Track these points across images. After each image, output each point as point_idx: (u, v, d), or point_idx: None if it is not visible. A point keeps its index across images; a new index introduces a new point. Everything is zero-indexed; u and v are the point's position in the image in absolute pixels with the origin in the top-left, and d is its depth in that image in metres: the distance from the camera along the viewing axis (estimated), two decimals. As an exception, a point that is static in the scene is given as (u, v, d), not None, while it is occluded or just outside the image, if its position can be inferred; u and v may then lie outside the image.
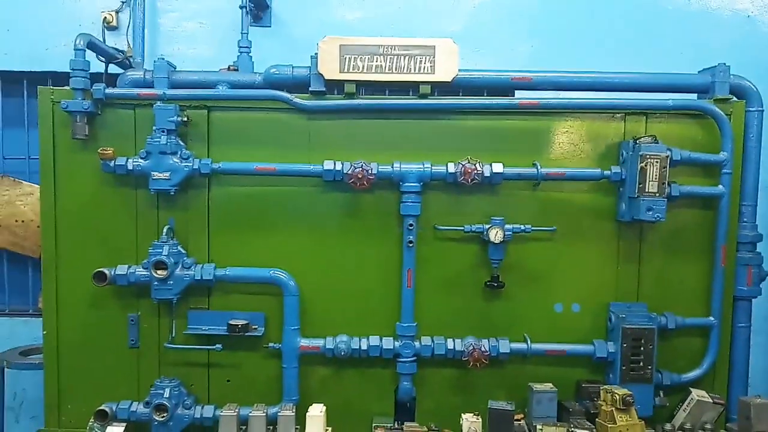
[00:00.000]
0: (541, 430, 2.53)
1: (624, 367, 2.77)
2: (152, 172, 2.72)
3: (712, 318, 2.86)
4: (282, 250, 2.88)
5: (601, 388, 2.67)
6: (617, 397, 2.53)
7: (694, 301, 2.91)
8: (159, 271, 2.72)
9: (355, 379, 2.90)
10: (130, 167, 2.75)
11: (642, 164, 2.63)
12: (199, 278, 2.78)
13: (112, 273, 2.74)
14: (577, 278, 2.91)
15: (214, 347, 2.84)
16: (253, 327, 2.85)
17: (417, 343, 2.83)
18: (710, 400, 2.78)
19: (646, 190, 2.65)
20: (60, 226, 2.87)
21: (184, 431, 2.80)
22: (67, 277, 2.87)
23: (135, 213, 2.85)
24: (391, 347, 2.81)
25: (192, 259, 2.82)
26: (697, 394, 2.80)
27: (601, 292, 2.90)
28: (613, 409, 2.54)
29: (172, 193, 2.76)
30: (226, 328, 2.82)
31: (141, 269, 2.76)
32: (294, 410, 2.64)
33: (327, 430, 2.68)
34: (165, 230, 2.77)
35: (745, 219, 2.89)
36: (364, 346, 2.81)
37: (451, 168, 2.76)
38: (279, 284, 2.81)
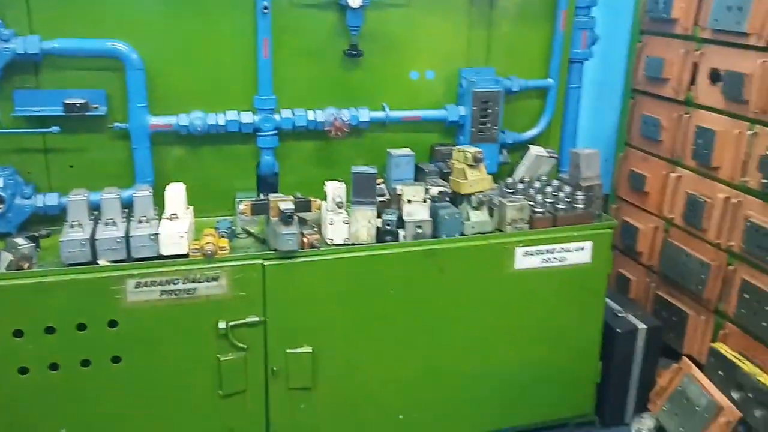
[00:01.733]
0: (401, 189, 2.69)
1: (473, 129, 2.98)
2: None
3: (550, 79, 3.11)
4: (123, 20, 2.58)
5: (454, 148, 2.86)
6: (469, 155, 2.74)
7: (536, 64, 3.12)
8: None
9: (214, 157, 2.84)
10: None
11: None
12: (23, 52, 2.44)
13: None
14: (431, 45, 2.97)
15: (50, 130, 2.58)
16: (94, 106, 2.61)
17: (277, 116, 2.80)
18: (546, 155, 3.11)
19: (502, -49, 2.67)
20: None
21: (26, 223, 2.63)
22: None
23: None
24: (251, 121, 2.75)
25: (10, 31, 2.45)
26: (534, 150, 3.11)
27: (454, 58, 3.00)
28: (465, 166, 2.76)
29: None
30: (62, 108, 2.56)
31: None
32: (150, 191, 2.54)
33: (188, 208, 2.65)
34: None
35: (583, -17, 3.06)
36: (221, 122, 2.72)
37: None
38: (119, 57, 2.56)
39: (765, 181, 2.76)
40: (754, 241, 2.83)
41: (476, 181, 2.76)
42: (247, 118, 2.75)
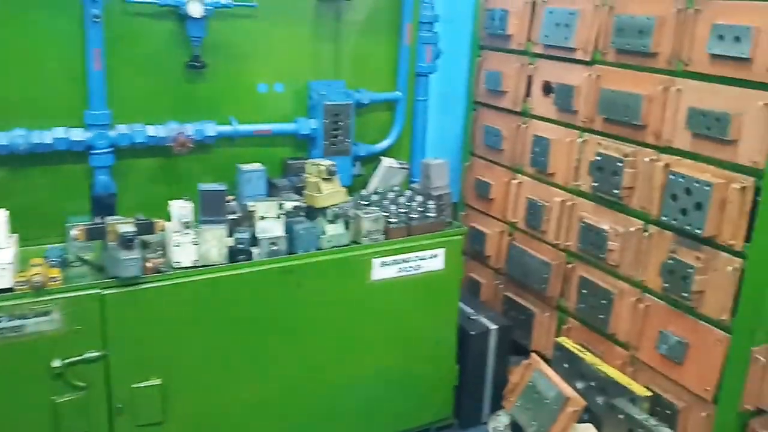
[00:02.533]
0: (253, 206, 2.60)
1: (326, 142, 2.96)
2: None
3: (398, 92, 3.17)
4: None
5: (307, 162, 2.82)
6: (322, 168, 2.71)
7: (385, 78, 3.16)
8: None
9: (41, 178, 2.59)
10: None
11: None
12: None
13: None
14: (279, 57, 2.92)
15: None
16: None
17: (112, 132, 2.60)
18: (398, 166, 3.16)
19: (344, -32, 2.69)
20: None
21: None
22: None
23: None
24: (82, 139, 2.53)
25: None
26: (386, 161, 3.16)
27: (303, 70, 2.97)
28: (319, 179, 2.72)
29: None
30: None
31: None
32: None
33: (11, 236, 2.38)
34: None
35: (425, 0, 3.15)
36: (48, 140, 2.47)
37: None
38: None
39: (595, 184, 3.00)
40: (587, 239, 3.06)
41: (331, 194, 2.74)
42: (77, 135, 2.53)
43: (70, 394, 2.28)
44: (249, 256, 2.56)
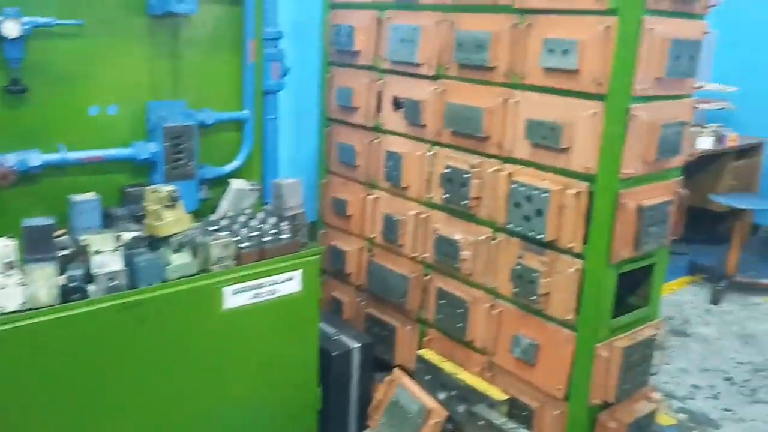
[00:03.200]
0: (86, 240, 2.46)
1: (167, 166, 2.85)
2: None
3: (245, 111, 3.12)
4: None
5: (146, 189, 2.71)
6: (163, 194, 2.61)
7: (230, 97, 3.10)
8: None
9: None
10: None
11: (169, -49, 2.56)
12: None
13: None
14: (111, 78, 2.75)
15: None
16: None
17: None
18: (248, 187, 3.11)
19: (175, -20, 2.61)
20: None
21: None
22: None
23: None
24: None
25: None
26: (236, 183, 3.09)
27: (139, 91, 2.83)
28: (160, 207, 2.62)
29: None
30: None
31: None
32: None
33: None
34: None
35: (268, 16, 3.12)
36: None
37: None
38: None
39: (446, 196, 3.11)
40: (442, 250, 3.16)
41: (174, 221, 2.64)
42: None
43: None
44: (84, 294, 2.41)
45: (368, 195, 3.55)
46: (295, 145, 3.95)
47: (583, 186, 2.62)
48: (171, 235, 2.63)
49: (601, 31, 2.48)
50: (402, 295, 3.40)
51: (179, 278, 2.62)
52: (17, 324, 2.25)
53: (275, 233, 2.90)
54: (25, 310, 2.28)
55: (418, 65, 3.16)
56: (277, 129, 3.35)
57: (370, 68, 3.43)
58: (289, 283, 2.89)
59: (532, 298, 2.81)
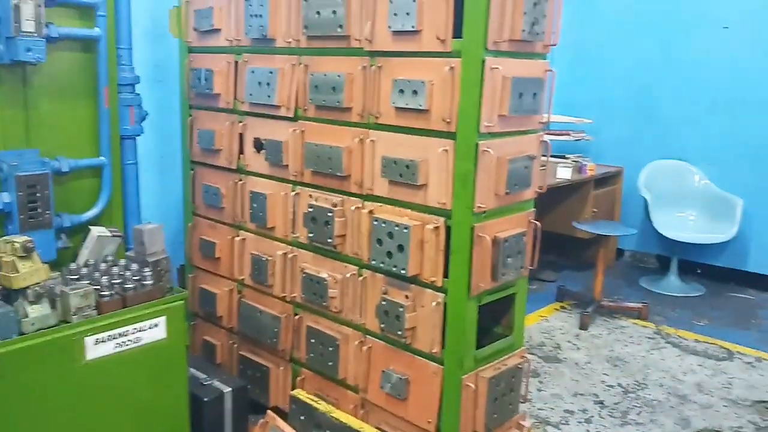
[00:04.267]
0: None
1: (22, 216, 2.92)
2: None
3: (102, 158, 3.25)
4: None
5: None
6: (17, 245, 2.68)
7: (87, 143, 3.22)
8: None
9: None
10: None
11: (15, 2, 2.69)
12: None
13: None
14: (-45, 128, 2.85)
15: None
16: None
17: None
18: (109, 234, 3.22)
19: (23, 30, 2.74)
20: None
21: None
22: None
23: None
24: None
25: None
26: (95, 230, 3.19)
27: (-14, 140, 2.93)
28: (14, 257, 2.70)
29: None
30: None
31: None
32: None
33: None
34: None
35: (123, 62, 3.30)
36: None
37: None
38: None
39: (310, 235, 3.34)
40: (310, 289, 3.38)
41: (30, 272, 2.71)
42: None
43: None
44: (-69, 353, 2.44)
45: (235, 236, 3.73)
46: (161, 189, 4.08)
47: (440, 221, 2.88)
48: (27, 287, 2.70)
49: (446, 72, 2.76)
50: (273, 335, 3.58)
51: (37, 330, 2.69)
52: None
53: (137, 280, 3.02)
54: None
55: (276, 107, 3.40)
56: (138, 174, 3.49)
57: (230, 111, 3.65)
58: (154, 330, 3.01)
59: (398, 332, 3.03)
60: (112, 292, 2.92)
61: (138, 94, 3.39)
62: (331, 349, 3.36)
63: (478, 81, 2.73)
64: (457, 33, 2.75)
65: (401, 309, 3.03)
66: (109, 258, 3.18)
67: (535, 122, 3.07)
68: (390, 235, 3.01)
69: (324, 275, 3.33)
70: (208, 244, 3.87)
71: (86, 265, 3.09)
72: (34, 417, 2.68)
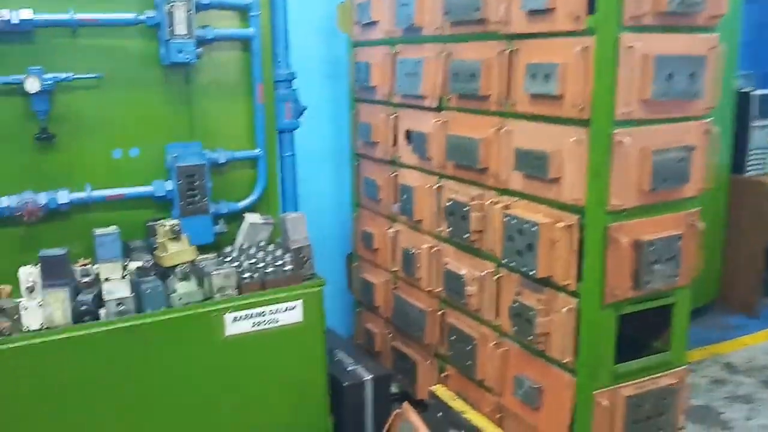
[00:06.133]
0: (98, 268, 2.99)
1: (182, 202, 3.36)
2: None
3: (258, 150, 3.59)
4: None
5: (157, 223, 3.22)
6: (167, 228, 3.11)
7: (244, 137, 3.59)
8: None
9: None
10: None
11: (169, 7, 3.09)
12: None
13: None
14: (132, 123, 3.34)
15: None
16: None
17: (-40, 205, 3.03)
18: (262, 221, 3.55)
19: (176, 33, 3.14)
20: None
21: None
22: None
23: None
24: (-62, 212, 2.97)
25: None
26: (250, 217, 3.54)
27: (158, 134, 3.39)
28: (166, 239, 3.12)
29: None
30: None
31: None
32: None
33: None
34: None
35: (279, 59, 3.60)
36: None
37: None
38: None
39: (450, 229, 3.36)
40: (450, 284, 3.40)
41: (177, 252, 3.12)
42: (-66, 208, 2.96)
43: None
44: (95, 316, 2.93)
45: (389, 228, 3.88)
46: (336, 181, 4.40)
47: (574, 219, 2.71)
48: (176, 265, 3.11)
49: (578, 52, 2.57)
50: (420, 329, 3.67)
51: (184, 305, 3.09)
52: (34, 341, 2.80)
53: (279, 265, 3.30)
54: (43, 330, 2.83)
55: (422, 98, 3.46)
56: (295, 165, 3.79)
57: (385, 103, 3.79)
58: (291, 313, 3.27)
59: (530, 337, 2.93)
60: (253, 275, 3.23)
61: (294, 90, 3.68)
62: (468, 348, 3.35)
63: (611, 61, 2.52)
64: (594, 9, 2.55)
65: (532, 313, 2.92)
66: (261, 244, 3.51)
67: (695, 108, 2.73)
68: (520, 232, 2.91)
69: (463, 272, 3.32)
70: (368, 235, 4.06)
71: (240, 249, 3.44)
72: (176, 384, 3.08)
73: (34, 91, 2.99)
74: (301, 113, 3.73)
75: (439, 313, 3.57)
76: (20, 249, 3.20)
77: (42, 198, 3.12)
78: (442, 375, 3.61)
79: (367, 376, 3.57)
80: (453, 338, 3.46)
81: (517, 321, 3.02)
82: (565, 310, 2.81)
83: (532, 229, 2.83)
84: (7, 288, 2.88)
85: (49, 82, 3.04)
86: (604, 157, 2.60)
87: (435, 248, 3.53)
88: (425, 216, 3.58)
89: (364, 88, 3.94)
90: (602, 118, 2.58)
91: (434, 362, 3.68)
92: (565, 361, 2.84)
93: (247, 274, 3.23)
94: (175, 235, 3.11)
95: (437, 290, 3.55)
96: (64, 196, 3.17)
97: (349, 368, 3.63)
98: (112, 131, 3.31)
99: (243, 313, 3.16)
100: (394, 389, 3.82)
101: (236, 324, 3.15)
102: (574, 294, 2.79)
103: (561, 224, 2.76)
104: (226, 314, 3.13)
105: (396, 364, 3.91)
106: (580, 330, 2.78)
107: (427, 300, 3.64)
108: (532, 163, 2.86)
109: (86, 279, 3.05)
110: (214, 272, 3.14)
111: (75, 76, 3.12)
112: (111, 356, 2.93)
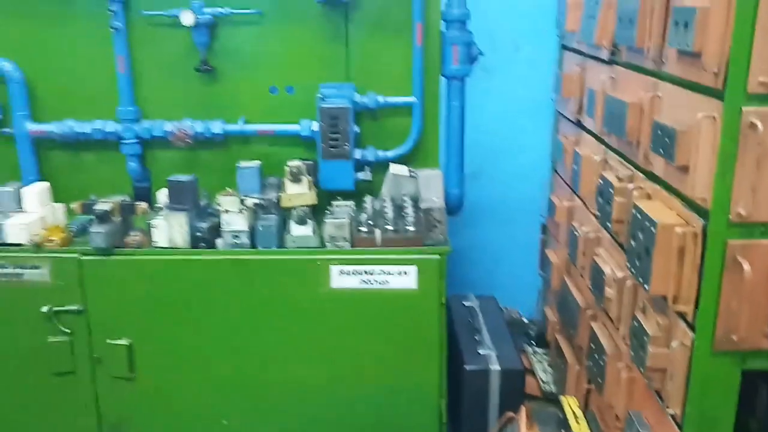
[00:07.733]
0: (219, 200, 3.19)
1: (324, 145, 3.38)
2: None
3: (413, 97, 3.38)
4: (8, 40, 3.48)
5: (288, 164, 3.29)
6: (288, 168, 3.18)
7: (402, 81, 3.41)
8: None
9: (92, 162, 3.64)
10: None
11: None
12: None
13: None
14: (289, 61, 3.44)
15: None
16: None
17: (137, 126, 3.50)
18: (407, 174, 3.39)
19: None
20: None
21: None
22: None
23: None
24: (113, 130, 3.50)
25: None
26: (393, 169, 3.40)
27: (314, 73, 3.43)
28: (286, 179, 3.20)
29: None
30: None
31: None
32: (15, 187, 3.37)
33: (56, 205, 3.41)
34: None
35: (451, -4, 3.29)
36: (87, 130, 3.50)
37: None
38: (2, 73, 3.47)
39: (598, 214, 2.81)
40: (596, 283, 2.87)
41: (295, 195, 3.18)
42: (110, 127, 3.49)
43: (58, 336, 3.24)
44: (210, 245, 3.19)
45: (567, 201, 3.39)
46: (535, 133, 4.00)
47: (699, 224, 2.09)
48: (292, 207, 3.19)
49: None
50: (574, 326, 3.19)
51: (297, 248, 3.17)
52: (155, 257, 3.18)
53: (403, 224, 3.14)
54: (167, 248, 3.19)
55: (598, 47, 2.91)
56: (464, 116, 3.48)
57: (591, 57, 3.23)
58: (404, 278, 3.11)
59: (641, 369, 2.39)
60: (367, 230, 3.14)
61: (469, 32, 3.34)
62: (601, 363, 2.83)
63: (751, 6, 1.88)
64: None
65: (646, 338, 2.35)
66: (405, 198, 3.37)
67: None
68: (641, 230, 2.33)
69: (606, 269, 2.78)
70: (552, 205, 3.62)
71: (375, 200, 3.36)
72: (278, 323, 3.20)
73: (189, 24, 3.26)
74: (474, 59, 3.40)
75: (590, 312, 3.04)
76: (177, 172, 3.54)
77: (198, 126, 3.44)
78: (589, 386, 3.11)
79: (495, 367, 3.24)
80: (592, 346, 2.94)
81: (634, 344, 2.46)
82: (677, 344, 2.20)
83: (651, 229, 2.23)
84: (143, 206, 3.27)
85: (208, 16, 3.28)
86: (731, 145, 1.98)
87: (593, 233, 2.99)
88: (587, 193, 3.04)
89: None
90: (735, 90, 1.94)
91: (583, 367, 3.18)
92: (674, 413, 2.25)
93: (364, 228, 3.15)
94: (295, 177, 3.17)
95: (590, 284, 3.03)
96: (217, 126, 3.45)
97: (482, 352, 3.33)
98: (270, 68, 3.46)
99: (350, 268, 3.11)
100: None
101: (343, 277, 3.13)
102: (691, 326, 2.17)
103: (683, 229, 2.13)
104: (333, 265, 3.12)
105: (555, 358, 3.47)
106: (690, 376, 2.18)
107: (586, 294, 3.13)
108: (663, 142, 2.25)
109: (210, 209, 3.31)
110: (328, 221, 3.14)
111: (233, 11, 3.31)
112: (217, 284, 3.18)
